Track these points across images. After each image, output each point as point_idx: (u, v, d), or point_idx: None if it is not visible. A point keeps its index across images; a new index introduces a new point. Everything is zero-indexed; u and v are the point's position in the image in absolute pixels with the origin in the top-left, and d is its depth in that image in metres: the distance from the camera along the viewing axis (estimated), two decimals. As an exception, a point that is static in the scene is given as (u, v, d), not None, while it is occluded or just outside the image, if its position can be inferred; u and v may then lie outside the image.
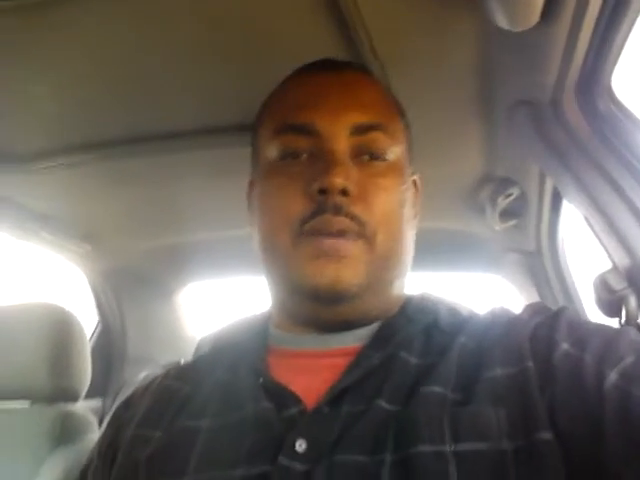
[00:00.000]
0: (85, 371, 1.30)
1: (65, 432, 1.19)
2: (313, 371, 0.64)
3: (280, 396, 0.60)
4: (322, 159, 0.64)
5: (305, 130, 0.67)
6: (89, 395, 1.36)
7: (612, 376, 0.50)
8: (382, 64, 0.89)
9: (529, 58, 0.84)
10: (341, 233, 0.62)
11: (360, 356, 0.62)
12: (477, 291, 1.92)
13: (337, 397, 0.58)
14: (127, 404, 0.74)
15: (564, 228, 1.38)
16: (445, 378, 0.57)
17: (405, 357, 0.61)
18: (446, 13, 0.79)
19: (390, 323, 0.66)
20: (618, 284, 0.83)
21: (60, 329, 1.26)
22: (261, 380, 0.63)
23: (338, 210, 0.62)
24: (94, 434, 1.24)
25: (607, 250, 0.87)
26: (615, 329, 0.59)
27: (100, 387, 1.80)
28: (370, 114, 0.69)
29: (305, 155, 0.67)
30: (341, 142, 0.66)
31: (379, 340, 0.64)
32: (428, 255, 1.34)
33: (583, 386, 0.51)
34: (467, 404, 0.54)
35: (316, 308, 0.65)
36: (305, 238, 0.63)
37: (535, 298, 1.52)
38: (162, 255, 1.80)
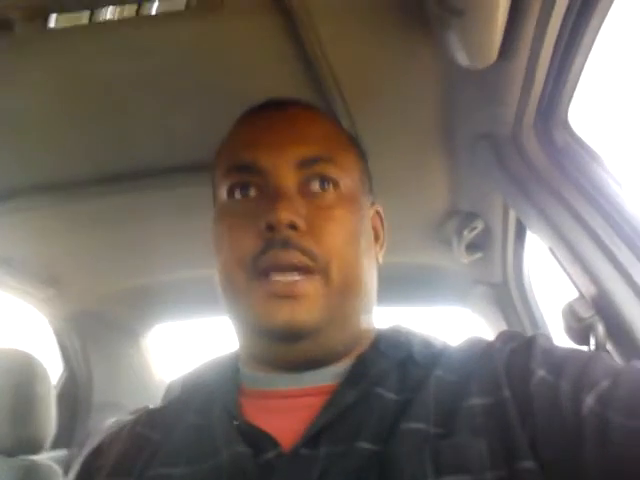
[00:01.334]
0: (50, 420, 1.25)
1: (28, 485, 1.14)
2: (288, 411, 0.62)
3: (256, 439, 0.59)
4: (269, 196, 0.64)
5: (250, 169, 0.66)
6: (54, 444, 1.31)
7: (589, 401, 0.51)
8: (346, 101, 0.90)
9: (489, 94, 0.87)
10: (292, 267, 0.61)
11: (334, 395, 0.61)
12: (445, 324, 1.92)
13: (314, 438, 0.57)
14: (96, 453, 0.72)
15: (529, 259, 1.40)
16: (424, 413, 0.56)
17: (381, 393, 0.60)
18: (408, 51, 0.82)
19: (363, 359, 0.65)
20: (585, 312, 0.84)
21: (23, 375, 1.22)
22: (236, 422, 0.62)
23: (286, 244, 0.61)
24: (60, 486, 1.20)
25: (572, 279, 0.89)
26: (589, 354, 0.59)
27: (66, 436, 1.74)
28: (315, 147, 0.68)
29: (254, 193, 0.67)
30: (287, 177, 0.65)
31: (353, 377, 0.62)
32: (395, 289, 1.34)
33: (561, 413, 0.51)
34: (448, 437, 0.54)
35: (277, 348, 0.64)
36: (257, 278, 0.62)
37: (503, 329, 1.52)
38: (128, 297, 1.77)
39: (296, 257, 0.61)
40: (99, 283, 1.67)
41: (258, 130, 0.69)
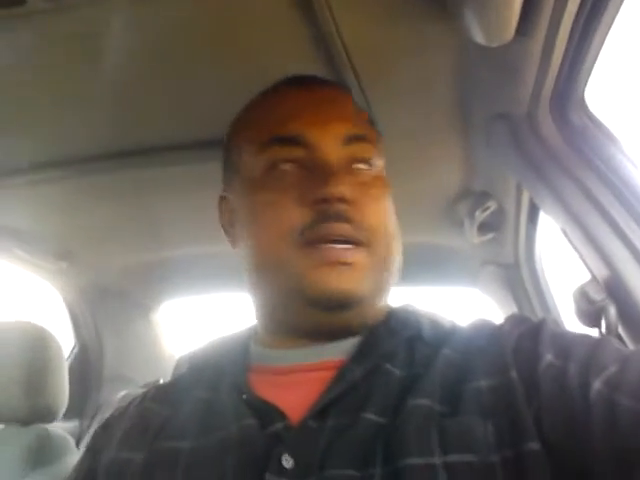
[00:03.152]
0: (63, 391, 1.27)
1: (41, 454, 1.16)
2: (296, 386, 0.63)
3: (264, 412, 0.60)
4: (317, 169, 0.65)
5: (296, 141, 0.67)
6: (66, 416, 1.34)
7: (597, 385, 0.50)
8: (360, 80, 0.89)
9: (505, 72, 0.85)
10: (344, 239, 0.63)
11: (343, 369, 0.61)
12: (455, 304, 1.92)
13: (322, 411, 0.57)
14: (105, 427, 0.73)
15: (541, 240, 1.39)
16: (430, 390, 0.57)
17: (389, 369, 0.61)
18: (424, 29, 0.80)
19: (373, 335, 0.65)
20: (597, 295, 0.84)
21: (37, 348, 1.23)
22: (244, 396, 0.63)
23: (339, 217, 0.62)
24: (72, 456, 1.22)
25: (585, 261, 0.88)
26: (597, 338, 0.59)
27: (77, 408, 1.77)
28: (357, 125, 0.70)
29: (295, 167, 0.67)
30: (334, 152, 0.66)
31: (362, 353, 0.63)
32: (405, 269, 1.34)
33: (569, 396, 0.51)
34: (454, 416, 0.54)
35: (320, 315, 0.64)
36: (308, 247, 0.63)
37: (513, 311, 1.52)
38: (139, 272, 1.78)
39: (347, 230, 0.63)
40: (111, 257, 1.68)
41: (302, 104, 0.70)
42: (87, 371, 1.89)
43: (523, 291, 1.49)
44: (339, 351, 0.64)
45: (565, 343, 0.57)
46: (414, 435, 0.52)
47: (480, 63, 0.85)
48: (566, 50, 0.78)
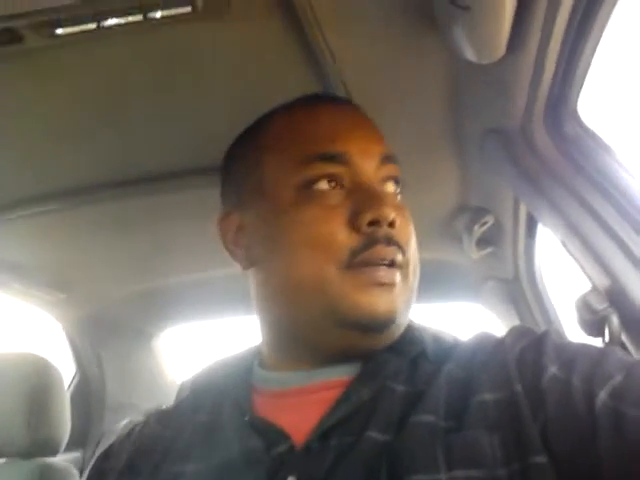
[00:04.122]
0: (65, 422, 1.26)
1: (45, 487, 1.15)
2: (300, 407, 0.62)
3: (268, 433, 0.59)
4: (361, 191, 0.64)
5: (339, 160, 0.65)
6: (68, 447, 1.32)
7: (602, 396, 0.50)
8: (351, 97, 0.89)
9: (497, 88, 0.86)
10: (392, 263, 0.62)
11: (349, 390, 0.61)
12: (457, 320, 1.92)
13: (326, 432, 0.57)
14: (107, 454, 0.72)
15: (540, 253, 1.39)
16: (434, 406, 0.56)
17: (392, 386, 0.60)
18: (415, 48, 0.81)
19: (379, 355, 0.64)
20: (599, 304, 0.84)
21: (38, 379, 1.22)
22: (247, 417, 0.62)
23: (389, 241, 0.62)
24: (76, 487, 1.20)
25: (586, 272, 0.88)
26: (600, 348, 0.59)
27: (79, 438, 1.75)
28: (388, 146, 0.70)
29: (333, 186, 0.65)
30: (374, 172, 0.66)
31: (368, 373, 0.62)
32: None
33: (574, 408, 0.51)
34: (459, 431, 0.54)
35: (354, 337, 0.63)
36: (355, 269, 0.62)
37: (515, 324, 1.51)
38: (138, 300, 1.77)
39: (395, 254, 0.62)
40: (110, 286, 1.67)
41: (340, 121, 0.69)
42: (89, 400, 1.87)
43: (525, 304, 1.48)
44: (341, 371, 0.64)
45: (568, 354, 0.57)
46: (419, 452, 0.52)
47: (472, 80, 0.86)
48: (557, 63, 0.78)
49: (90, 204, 1.16)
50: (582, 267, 0.89)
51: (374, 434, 0.55)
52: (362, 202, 0.63)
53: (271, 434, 0.59)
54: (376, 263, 0.62)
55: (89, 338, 1.86)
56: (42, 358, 1.26)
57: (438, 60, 0.84)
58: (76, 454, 1.75)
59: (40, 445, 1.21)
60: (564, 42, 0.76)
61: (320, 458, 0.55)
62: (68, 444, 1.30)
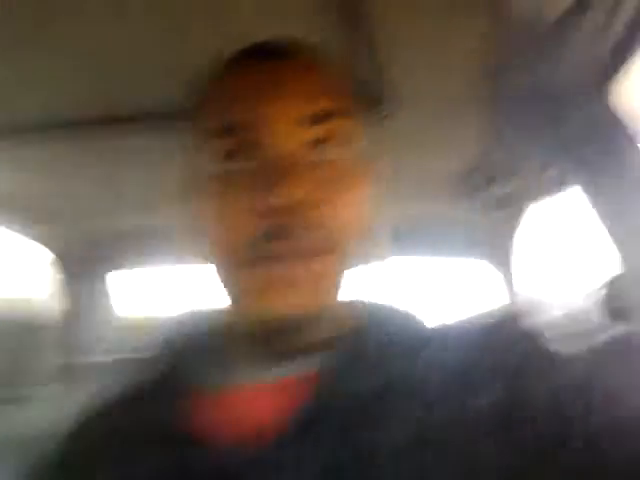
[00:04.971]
0: None
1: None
2: (269, 403, 0.55)
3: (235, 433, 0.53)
4: (268, 165, 0.53)
5: (240, 129, 0.54)
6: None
7: (593, 401, 0.49)
8: (376, 48, 0.82)
9: (542, 49, 0.81)
10: (300, 254, 0.52)
11: (319, 385, 0.54)
12: (463, 276, 1.91)
13: (298, 430, 0.51)
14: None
15: (551, 217, 1.41)
16: (412, 401, 0.51)
17: (366, 381, 0.54)
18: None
19: (348, 347, 0.57)
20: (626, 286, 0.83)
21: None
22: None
23: (288, 233, 0.51)
24: None
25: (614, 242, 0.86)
26: (588, 359, 0.58)
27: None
28: (325, 100, 0.55)
29: (244, 161, 0.54)
30: (289, 138, 0.53)
31: (337, 367, 0.55)
32: (416, 239, 1.32)
33: (565, 414, 0.49)
34: (442, 430, 0.50)
35: (275, 340, 0.56)
36: (253, 265, 0.53)
37: (519, 286, 1.55)
38: (102, 239, 1.71)
39: (305, 242, 0.52)
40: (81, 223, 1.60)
41: (252, 85, 0.55)
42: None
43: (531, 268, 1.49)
44: (314, 363, 0.56)
45: (554, 362, 0.54)
46: (400, 448, 0.48)
47: (522, 33, 0.80)
48: (625, 26, 0.72)
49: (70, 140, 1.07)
50: (611, 235, 0.86)
51: (353, 431, 0.50)
52: (264, 181, 0.51)
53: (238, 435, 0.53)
54: (273, 259, 0.52)
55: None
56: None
57: (478, 14, 0.76)
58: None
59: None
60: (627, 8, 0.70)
61: (293, 458, 0.49)
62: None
